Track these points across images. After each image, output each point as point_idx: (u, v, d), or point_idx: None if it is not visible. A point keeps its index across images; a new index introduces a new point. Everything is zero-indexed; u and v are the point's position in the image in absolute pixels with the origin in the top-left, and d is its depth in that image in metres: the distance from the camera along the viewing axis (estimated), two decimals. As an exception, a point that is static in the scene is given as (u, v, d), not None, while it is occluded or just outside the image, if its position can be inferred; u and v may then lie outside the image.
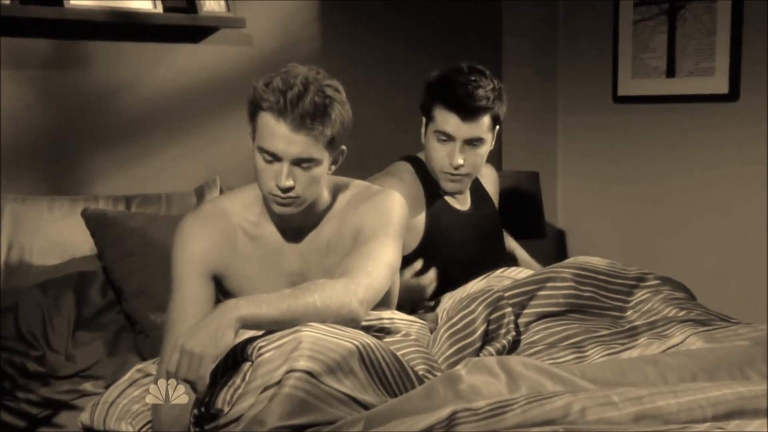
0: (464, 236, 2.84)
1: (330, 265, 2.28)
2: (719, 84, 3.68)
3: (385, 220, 2.28)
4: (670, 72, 3.80)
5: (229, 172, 3.30)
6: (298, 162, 2.16)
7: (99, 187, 3.19)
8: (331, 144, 2.18)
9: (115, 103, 3.23)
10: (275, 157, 2.16)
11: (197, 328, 1.93)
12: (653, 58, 3.84)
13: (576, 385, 1.90)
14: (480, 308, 2.32)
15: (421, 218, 2.79)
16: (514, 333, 2.33)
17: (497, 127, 2.77)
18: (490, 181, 3.04)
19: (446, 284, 2.74)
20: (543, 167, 4.14)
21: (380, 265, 2.19)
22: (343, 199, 2.34)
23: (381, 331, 2.24)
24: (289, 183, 2.16)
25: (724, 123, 3.72)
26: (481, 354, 2.28)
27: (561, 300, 2.43)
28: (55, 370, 2.67)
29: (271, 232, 2.32)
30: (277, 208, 2.22)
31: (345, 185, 2.37)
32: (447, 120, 2.71)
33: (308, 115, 2.12)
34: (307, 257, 2.32)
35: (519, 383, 1.90)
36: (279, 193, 2.18)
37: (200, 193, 3.18)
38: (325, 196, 2.31)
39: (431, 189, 2.81)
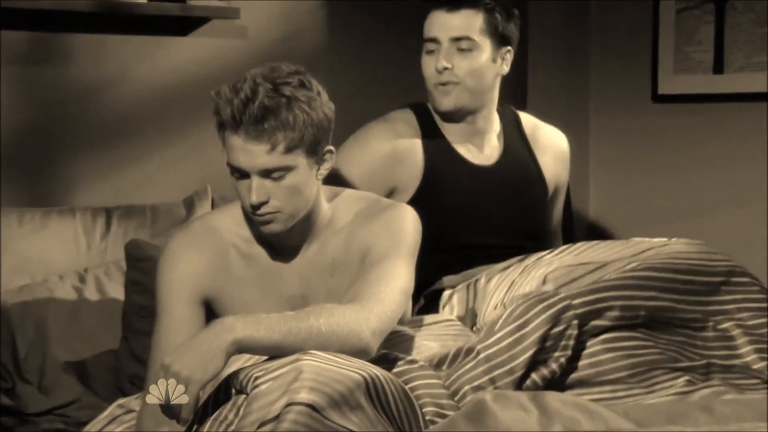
0: (479, 193, 2.83)
1: (335, 287, 2.27)
2: (773, 81, 3.67)
3: (397, 239, 2.27)
4: (718, 67, 3.81)
5: (222, 180, 3.25)
6: (266, 174, 2.16)
7: (76, 198, 3.19)
8: (303, 147, 2.16)
9: (94, 103, 3.23)
10: (242, 173, 2.17)
11: (186, 348, 1.93)
12: (699, 51, 3.84)
13: (618, 426, 1.88)
14: (537, 321, 2.21)
15: (418, 167, 2.80)
16: (570, 353, 2.23)
17: (505, 47, 2.80)
18: (551, 149, 3.00)
19: (454, 249, 2.74)
20: (573, 175, 4.08)
21: (393, 290, 2.17)
22: (347, 212, 2.33)
23: (382, 357, 2.19)
24: (260, 199, 2.17)
25: (779, 125, 3.71)
26: (523, 385, 2.19)
27: (642, 312, 2.33)
28: (27, 405, 2.67)
29: (267, 250, 2.31)
30: (262, 228, 2.22)
31: (349, 197, 2.36)
32: (431, 20, 2.80)
33: (260, 120, 2.12)
34: (309, 278, 2.31)
35: (553, 419, 1.87)
36: (255, 210, 2.19)
37: (189, 204, 3.18)
38: (324, 207, 2.31)
39: (435, 137, 2.83)
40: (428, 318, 2.48)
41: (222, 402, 1.97)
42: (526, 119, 2.98)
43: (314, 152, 2.19)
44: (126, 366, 2.75)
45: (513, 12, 2.83)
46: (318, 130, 2.17)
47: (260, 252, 2.30)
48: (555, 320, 2.22)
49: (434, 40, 2.78)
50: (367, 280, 2.18)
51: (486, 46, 2.78)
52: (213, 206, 3.16)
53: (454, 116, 2.82)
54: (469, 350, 2.22)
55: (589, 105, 4.21)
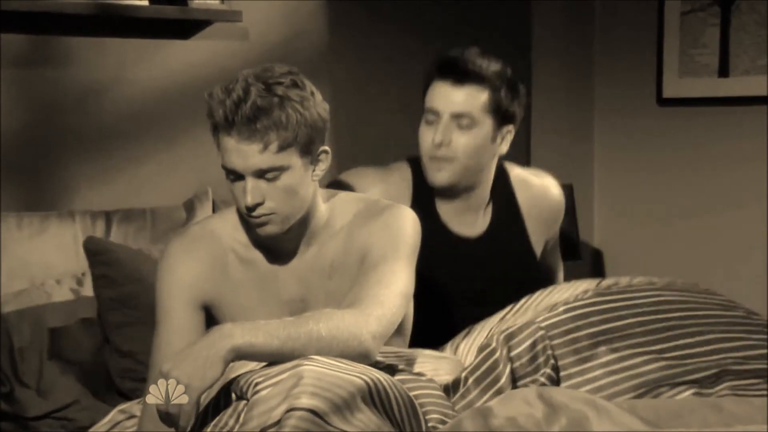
0: (459, 264, 2.78)
1: (334, 290, 2.27)
2: (779, 84, 3.67)
3: (397, 240, 2.26)
4: (723, 70, 3.81)
5: (222, 182, 3.24)
6: (260, 174, 2.16)
7: (76, 201, 3.19)
8: (297, 146, 2.16)
9: (95, 106, 3.23)
10: (237, 175, 2.18)
11: (185, 355, 1.93)
12: (704, 54, 3.84)
13: (623, 422, 1.88)
14: (500, 339, 2.21)
15: None
16: (553, 362, 2.22)
17: (507, 126, 2.73)
18: (539, 208, 2.91)
19: (431, 319, 2.66)
20: (577, 179, 4.12)
21: (393, 293, 2.17)
22: (345, 214, 2.33)
23: (388, 369, 2.19)
24: (256, 200, 2.17)
25: (785, 128, 3.71)
26: None
27: (625, 312, 2.31)
28: (26, 410, 2.66)
29: (264, 254, 2.31)
30: (258, 230, 2.22)
31: (347, 198, 2.36)
32: (434, 91, 2.72)
33: (253, 120, 2.12)
34: (308, 282, 2.31)
35: (559, 413, 1.88)
36: (250, 212, 2.19)
37: (190, 207, 3.18)
38: (321, 209, 2.31)
39: (424, 200, 2.76)
40: (436, 353, 2.44)
41: (222, 408, 1.97)
42: (515, 175, 2.89)
43: (308, 152, 2.19)
44: (114, 362, 2.75)
45: (519, 90, 2.74)
46: (312, 129, 2.17)
47: (258, 256, 2.31)
48: (513, 336, 2.21)
49: (434, 112, 2.70)
50: (367, 283, 2.18)
51: (486, 124, 2.70)
52: (214, 209, 3.16)
53: (447, 192, 2.75)
54: (456, 383, 2.21)
55: (593, 107, 4.21)
